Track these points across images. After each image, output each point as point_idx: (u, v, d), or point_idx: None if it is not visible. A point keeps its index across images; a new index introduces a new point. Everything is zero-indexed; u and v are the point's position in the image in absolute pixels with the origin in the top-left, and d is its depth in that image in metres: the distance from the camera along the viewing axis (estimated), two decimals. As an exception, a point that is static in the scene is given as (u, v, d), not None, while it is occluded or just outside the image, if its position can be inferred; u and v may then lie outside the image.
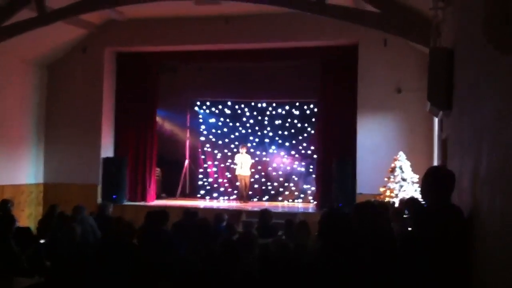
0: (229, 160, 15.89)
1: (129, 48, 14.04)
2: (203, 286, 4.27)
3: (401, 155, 10.71)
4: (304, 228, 6.21)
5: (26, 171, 13.57)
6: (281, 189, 15.76)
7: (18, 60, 13.13)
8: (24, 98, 13.52)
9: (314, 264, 4.00)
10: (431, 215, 3.93)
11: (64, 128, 13.91)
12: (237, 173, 14.93)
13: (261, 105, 15.98)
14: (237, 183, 15.17)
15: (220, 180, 16.24)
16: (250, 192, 15.55)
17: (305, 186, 15.48)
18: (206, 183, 16.34)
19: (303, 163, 15.68)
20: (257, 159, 15.95)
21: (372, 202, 5.17)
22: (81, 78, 13.84)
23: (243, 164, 14.77)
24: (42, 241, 7.41)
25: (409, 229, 6.03)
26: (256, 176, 15.89)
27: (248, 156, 15.05)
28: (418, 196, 9.54)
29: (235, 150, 15.60)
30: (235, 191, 15.30)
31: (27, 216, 13.24)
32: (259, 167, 15.95)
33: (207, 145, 16.53)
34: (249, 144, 15.90)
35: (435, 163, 9.93)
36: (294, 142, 15.77)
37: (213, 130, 16.45)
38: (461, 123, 4.66)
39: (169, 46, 13.58)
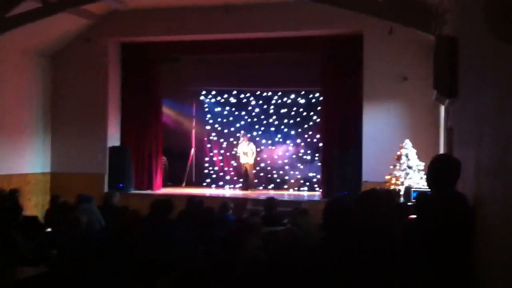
0: (235, 149, 15.93)
1: (133, 38, 14.03)
2: (206, 277, 4.29)
3: (407, 143, 10.69)
4: (306, 217, 6.21)
5: (33, 161, 13.65)
6: (286, 177, 15.80)
7: (22, 50, 13.15)
8: (29, 88, 13.56)
9: (317, 254, 4.01)
10: (436, 203, 3.93)
11: (70, 118, 13.95)
12: (241, 161, 15.02)
13: (267, 94, 15.97)
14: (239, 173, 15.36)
15: (225, 169, 16.29)
16: (256, 181, 15.65)
17: (310, 174, 15.51)
18: (212, 172, 16.40)
19: (308, 152, 15.70)
20: (262, 147, 16.00)
21: (376, 192, 5.16)
22: (86, 68, 13.85)
23: (245, 153, 14.84)
24: (48, 230, 7.46)
25: (414, 216, 6.03)
26: (262, 165, 15.95)
27: (252, 145, 15.09)
28: (423, 183, 9.55)
29: (241, 139, 15.60)
30: (241, 180, 15.33)
31: (34, 205, 13.31)
32: (265, 156, 15.99)
33: (213, 134, 16.57)
34: (254, 133, 15.97)
35: (441, 151, 9.90)
36: (299, 130, 15.77)
37: (219, 119, 16.47)
38: (465, 112, 4.65)
39: (172, 36, 13.58)
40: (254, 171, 15.49)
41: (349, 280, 3.56)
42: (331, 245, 3.82)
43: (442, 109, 9.76)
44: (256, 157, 15.26)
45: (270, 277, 4.01)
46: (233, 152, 16.01)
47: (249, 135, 15.47)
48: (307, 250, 4.23)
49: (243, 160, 15.00)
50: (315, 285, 3.66)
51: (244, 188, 15.05)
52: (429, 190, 4.14)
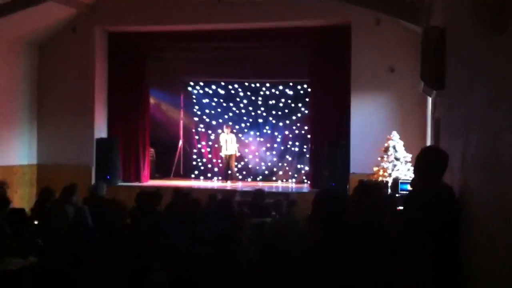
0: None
1: (121, 28, 13.90)
2: (200, 269, 4.29)
3: (395, 135, 10.75)
4: (294, 208, 6.23)
5: (19, 152, 13.52)
6: (275, 169, 15.81)
7: (8, 40, 12.98)
8: (15, 79, 13.40)
9: (306, 245, 4.02)
10: (422, 194, 3.96)
11: (57, 109, 13.82)
12: (222, 153, 14.98)
13: (255, 85, 15.93)
14: (221, 164, 15.35)
15: (214, 161, 16.26)
16: (244, 172, 15.67)
17: (298, 166, 15.54)
18: (200, 164, 16.37)
19: (296, 143, 15.71)
20: (251, 139, 15.99)
21: (369, 184, 5.20)
22: (73, 58, 13.70)
23: (228, 143, 14.81)
24: (35, 222, 7.42)
25: (401, 208, 6.07)
26: (250, 156, 15.94)
27: (233, 136, 15.06)
28: (411, 175, 9.61)
29: (224, 130, 15.46)
30: (229, 172, 15.28)
31: (21, 198, 13.21)
32: (253, 147, 15.98)
33: (201, 126, 16.52)
34: (242, 124, 15.95)
35: (429, 142, 9.96)
36: (287, 122, 15.76)
37: (207, 111, 16.41)
38: (453, 104, 4.67)
39: (161, 26, 13.45)
40: (236, 163, 15.48)
41: (343, 273, 3.57)
42: (321, 237, 3.82)
43: (430, 100, 9.81)
44: (237, 148, 15.22)
45: (261, 268, 4.01)
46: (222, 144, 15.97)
47: (235, 126, 15.40)
48: (297, 241, 4.24)
49: (225, 151, 14.94)
50: (307, 276, 3.67)
51: (224, 179, 15.04)
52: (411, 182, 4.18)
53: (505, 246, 2.44)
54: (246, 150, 15.89)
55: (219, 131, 15.94)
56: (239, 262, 4.19)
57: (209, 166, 16.27)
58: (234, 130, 15.56)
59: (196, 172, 16.20)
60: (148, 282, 4.61)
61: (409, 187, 8.06)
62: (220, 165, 15.69)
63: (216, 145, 16.08)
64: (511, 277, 2.35)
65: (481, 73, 3.13)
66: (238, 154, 15.10)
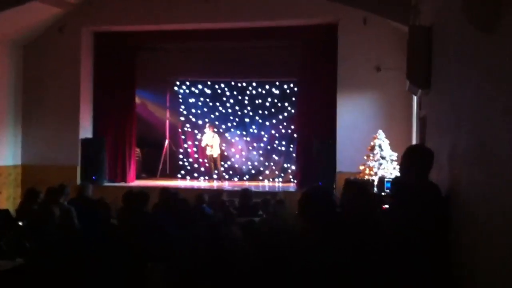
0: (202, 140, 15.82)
1: (107, 28, 13.80)
2: (196, 268, 4.27)
3: (380, 134, 10.81)
4: (282, 207, 6.23)
5: (3, 153, 13.36)
6: (261, 169, 15.81)
7: (-7, 39, 12.88)
8: (0, 79, 13.27)
9: (295, 243, 4.02)
10: (408, 192, 3.98)
11: (42, 109, 13.71)
12: (208, 153, 14.96)
13: (241, 84, 15.91)
14: (207, 164, 15.33)
15: (200, 160, 16.22)
16: (231, 172, 15.67)
17: (285, 165, 15.56)
18: (186, 163, 16.32)
19: (283, 142, 15.73)
20: (237, 138, 15.98)
21: (359, 182, 5.21)
22: (58, 58, 13.59)
23: (212, 144, 14.80)
24: (20, 223, 7.35)
25: (387, 206, 6.10)
26: (237, 156, 15.93)
27: (216, 136, 15.06)
28: (396, 174, 9.67)
29: (215, 129, 15.45)
30: (216, 171, 15.26)
31: (6, 198, 13.09)
32: (239, 147, 15.97)
33: (187, 125, 16.47)
34: (229, 124, 15.94)
35: (414, 141, 10.03)
36: (274, 121, 15.76)
37: (193, 110, 16.36)
38: (440, 102, 4.70)
39: (147, 25, 13.39)
40: (222, 163, 15.48)
41: (335, 272, 3.58)
42: (311, 235, 3.83)
43: (415, 99, 9.87)
44: (221, 148, 15.21)
45: (255, 265, 4.00)
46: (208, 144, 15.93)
47: (221, 126, 15.39)
48: (287, 239, 4.23)
49: (209, 151, 14.92)
50: (300, 275, 3.67)
51: (211, 179, 15.02)
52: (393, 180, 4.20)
53: (499, 239, 2.46)
54: (233, 150, 15.88)
55: (205, 130, 15.94)
56: (232, 257, 4.18)
57: (196, 166, 16.23)
58: (219, 130, 15.54)
59: (183, 172, 16.14)
60: (144, 277, 4.59)
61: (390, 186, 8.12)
62: (207, 164, 15.65)
63: (202, 145, 16.05)
64: (503, 273, 2.37)
65: (470, 70, 3.15)
66: (219, 152, 15.07)
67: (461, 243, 3.39)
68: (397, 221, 3.99)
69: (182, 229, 5.49)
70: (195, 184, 14.89)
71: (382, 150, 10.68)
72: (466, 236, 3.23)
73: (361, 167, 10.81)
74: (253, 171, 15.85)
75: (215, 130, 15.27)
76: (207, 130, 15.02)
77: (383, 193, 8.87)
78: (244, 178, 15.65)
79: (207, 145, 14.93)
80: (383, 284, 3.60)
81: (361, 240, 3.74)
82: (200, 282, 4.08)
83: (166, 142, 16.37)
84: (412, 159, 4.05)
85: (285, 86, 15.49)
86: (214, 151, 14.88)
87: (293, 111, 15.07)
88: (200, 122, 16.28)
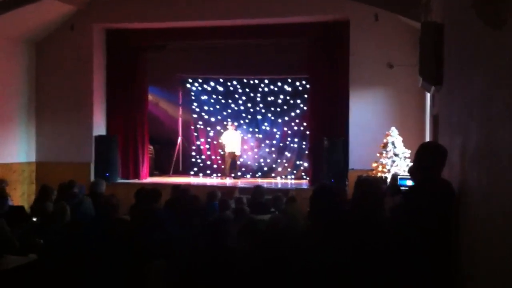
0: (221, 138, 15.86)
1: (118, 25, 13.88)
2: (197, 264, 4.28)
3: (393, 131, 10.74)
4: (293, 205, 6.21)
5: (17, 150, 13.51)
6: (274, 166, 15.80)
7: (5, 38, 12.96)
8: (12, 76, 13.38)
9: (297, 242, 4.02)
10: (421, 190, 3.96)
11: (55, 106, 13.81)
12: (227, 150, 14.96)
13: (253, 82, 15.91)
14: (225, 161, 15.30)
15: (213, 157, 16.25)
16: (243, 169, 15.66)
17: (297, 162, 15.54)
18: (199, 160, 16.35)
19: (295, 139, 15.70)
20: (249, 135, 15.98)
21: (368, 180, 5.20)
22: (70, 55, 13.68)
23: (232, 141, 14.81)
24: (34, 219, 7.41)
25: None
26: (249, 153, 15.93)
27: (238, 133, 15.07)
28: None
29: (228, 127, 15.50)
30: (234, 169, 15.25)
31: (20, 195, 13.22)
32: (252, 144, 15.97)
33: (200, 123, 16.49)
34: (241, 121, 15.94)
35: (427, 138, 9.96)
36: (286, 118, 15.73)
37: (206, 107, 16.39)
38: (452, 99, 4.66)
39: (159, 23, 13.44)
40: (238, 161, 15.49)
41: (341, 270, 3.57)
42: (321, 234, 3.82)
43: (428, 96, 9.80)
44: (242, 146, 15.22)
45: (258, 264, 4.00)
46: (220, 141, 15.94)
47: (233, 123, 15.41)
48: (295, 238, 4.23)
49: (229, 148, 14.93)
50: (305, 274, 3.67)
51: (228, 176, 15.02)
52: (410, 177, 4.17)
53: (505, 240, 2.44)
54: (245, 147, 15.88)
55: (218, 127, 15.95)
56: (234, 257, 4.19)
57: (208, 163, 16.26)
58: (244, 127, 15.63)
59: (195, 169, 16.17)
60: (147, 273, 4.61)
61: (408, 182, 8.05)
62: (219, 162, 15.66)
63: (215, 142, 16.07)
64: (510, 274, 2.35)
65: (480, 67, 3.12)
66: (240, 149, 15.11)
67: (468, 242, 3.37)
68: (400, 220, 3.97)
69: (184, 227, 5.49)
70: (208, 181, 14.91)
71: (395, 147, 10.61)
72: (473, 236, 3.20)
73: (374, 164, 10.76)
74: (265, 168, 15.85)
75: (236, 127, 15.29)
76: (229, 127, 15.05)
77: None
78: (256, 175, 15.66)
79: (227, 143, 14.91)
80: (382, 284, 3.58)
81: (361, 240, 3.72)
82: (200, 281, 4.09)
83: (179, 139, 16.42)
84: (426, 156, 4.02)
85: (297, 83, 15.45)
86: (236, 148, 14.88)
87: (305, 108, 15.03)
88: (212, 119, 16.30)
